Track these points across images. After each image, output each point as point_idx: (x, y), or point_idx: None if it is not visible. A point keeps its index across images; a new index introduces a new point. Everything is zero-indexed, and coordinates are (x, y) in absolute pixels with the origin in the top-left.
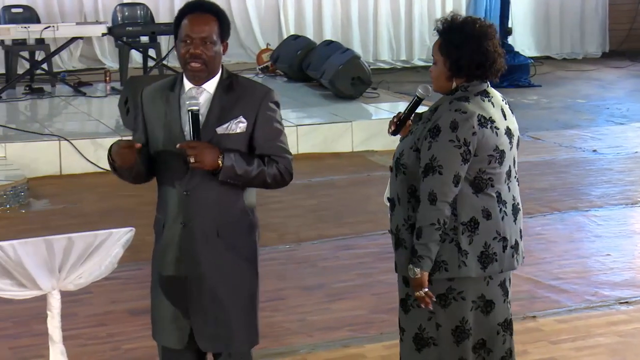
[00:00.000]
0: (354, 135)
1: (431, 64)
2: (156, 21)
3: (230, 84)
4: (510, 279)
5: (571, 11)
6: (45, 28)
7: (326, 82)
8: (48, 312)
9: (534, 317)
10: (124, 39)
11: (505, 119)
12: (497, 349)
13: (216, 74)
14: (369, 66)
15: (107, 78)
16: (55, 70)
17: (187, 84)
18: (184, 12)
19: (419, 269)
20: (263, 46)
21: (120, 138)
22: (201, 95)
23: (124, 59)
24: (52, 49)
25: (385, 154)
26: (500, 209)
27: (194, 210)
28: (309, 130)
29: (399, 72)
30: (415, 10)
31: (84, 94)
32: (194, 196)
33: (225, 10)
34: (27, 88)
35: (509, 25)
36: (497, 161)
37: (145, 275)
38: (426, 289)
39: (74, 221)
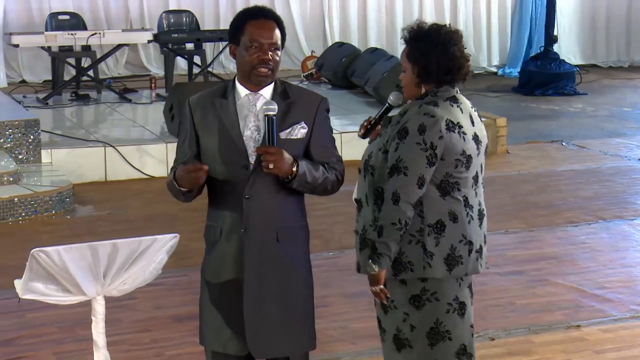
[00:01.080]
0: None
1: (475, 72)
2: (201, 28)
3: (284, 90)
4: (471, 283)
5: (617, 19)
6: (92, 35)
7: (370, 89)
8: (92, 318)
9: (579, 326)
10: (170, 45)
11: (474, 126)
12: (474, 352)
13: (274, 80)
14: None
15: (153, 85)
16: (101, 76)
17: (242, 90)
18: (246, 17)
19: (377, 266)
20: (308, 53)
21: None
22: (258, 100)
23: (169, 65)
24: (98, 55)
25: None
26: (467, 213)
27: (256, 215)
28: (353, 137)
29: None
30: (460, 18)
31: (129, 101)
32: (255, 201)
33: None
34: (73, 94)
35: (555, 33)
36: (464, 165)
37: (189, 282)
38: (381, 286)
39: (119, 227)
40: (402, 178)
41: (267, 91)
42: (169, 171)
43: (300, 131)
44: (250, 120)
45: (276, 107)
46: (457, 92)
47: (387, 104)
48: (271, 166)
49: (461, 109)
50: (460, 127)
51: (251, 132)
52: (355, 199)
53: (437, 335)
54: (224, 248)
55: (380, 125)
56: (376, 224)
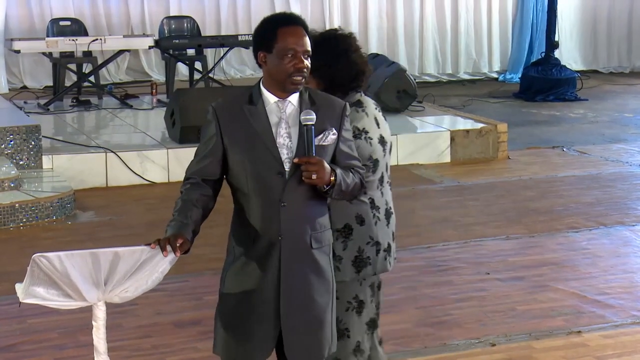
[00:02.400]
0: (399, 148)
1: (476, 78)
2: (202, 34)
3: (310, 96)
4: (380, 281)
5: (618, 25)
6: (93, 41)
7: (372, 95)
8: (93, 323)
9: (579, 332)
10: (171, 51)
11: (379, 127)
12: (366, 349)
13: None
14: (415, 79)
15: (154, 90)
16: (102, 82)
17: (271, 97)
18: (277, 24)
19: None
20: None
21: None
22: (287, 107)
23: (170, 71)
24: (100, 61)
25: (431, 167)
26: (374, 215)
27: (292, 221)
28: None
29: (444, 86)
30: (462, 24)
31: (131, 107)
32: (291, 208)
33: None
34: (74, 100)
35: (556, 39)
36: (370, 170)
37: (191, 288)
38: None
39: (120, 233)
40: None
41: (294, 97)
42: (184, 184)
43: (331, 137)
44: (282, 127)
45: (314, 116)
46: (361, 95)
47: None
48: (314, 177)
49: (366, 113)
50: (366, 132)
51: (283, 139)
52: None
53: (337, 333)
54: (258, 254)
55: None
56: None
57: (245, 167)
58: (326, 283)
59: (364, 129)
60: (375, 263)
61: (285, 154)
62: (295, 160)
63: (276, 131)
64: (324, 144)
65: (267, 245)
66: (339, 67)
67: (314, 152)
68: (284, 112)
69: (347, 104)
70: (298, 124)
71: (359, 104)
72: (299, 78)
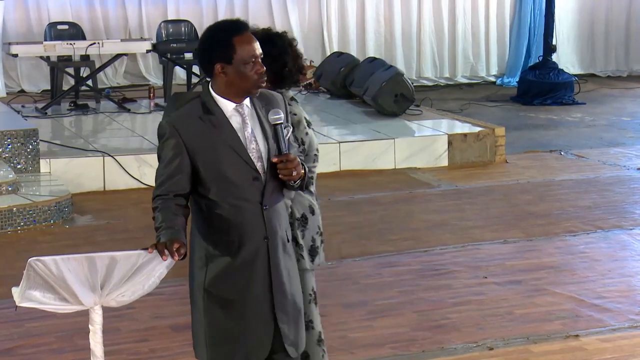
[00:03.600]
0: (397, 152)
1: (474, 81)
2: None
3: (258, 94)
4: None
5: (616, 29)
6: (91, 45)
7: (369, 99)
8: (90, 327)
9: (577, 336)
10: (168, 55)
11: None
12: (324, 339)
13: None
14: (412, 83)
15: (151, 94)
16: (99, 86)
17: (228, 103)
18: (230, 34)
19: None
20: (306, 63)
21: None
22: (245, 110)
23: (168, 75)
24: (97, 65)
25: (428, 171)
26: (317, 205)
27: (274, 222)
28: (352, 147)
29: (442, 89)
30: (459, 28)
31: (128, 110)
32: (271, 209)
33: (269, 26)
34: (72, 104)
35: (553, 43)
36: (317, 160)
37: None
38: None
39: (118, 237)
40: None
41: (247, 99)
42: (154, 201)
43: (289, 130)
44: (247, 130)
45: (282, 114)
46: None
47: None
48: (294, 173)
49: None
50: (310, 123)
51: (253, 144)
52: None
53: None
54: (246, 258)
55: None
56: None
57: (218, 178)
58: (298, 276)
59: (308, 120)
60: (321, 253)
61: (256, 159)
62: (275, 159)
63: (243, 136)
64: (286, 138)
65: (254, 249)
66: (284, 62)
67: (287, 149)
68: (244, 115)
69: (282, 96)
70: (258, 123)
71: (293, 99)
72: (263, 83)
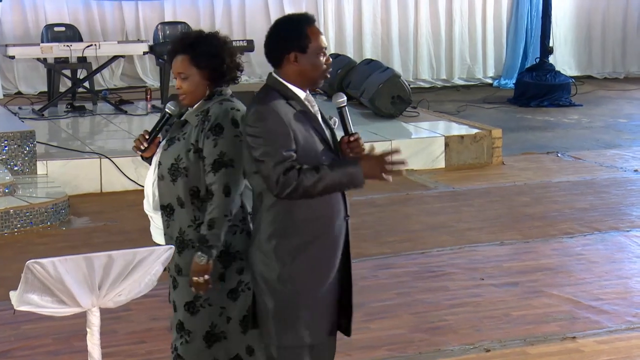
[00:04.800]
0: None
1: (471, 83)
2: None
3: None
4: None
5: (613, 30)
6: (88, 46)
7: (366, 101)
8: (87, 329)
9: (574, 337)
10: (165, 57)
11: None
12: None
13: None
14: (409, 85)
15: (148, 96)
16: (96, 88)
17: (300, 92)
18: (304, 23)
19: (206, 257)
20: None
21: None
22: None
23: (165, 77)
24: (94, 67)
25: (425, 173)
26: None
27: (347, 200)
28: None
29: (439, 91)
30: (456, 30)
31: (125, 112)
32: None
33: (265, 29)
34: (69, 106)
35: (550, 45)
36: None
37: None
38: (207, 276)
39: (115, 239)
40: (230, 170)
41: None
42: (292, 171)
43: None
44: (319, 117)
45: (345, 97)
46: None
47: (166, 114)
48: (366, 150)
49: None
50: None
51: (325, 129)
52: (163, 206)
53: (248, 323)
54: (336, 235)
55: (159, 137)
56: (197, 223)
57: (312, 161)
58: None
59: None
60: None
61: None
62: (352, 138)
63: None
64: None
65: (339, 227)
66: (222, 59)
67: (352, 129)
68: (314, 103)
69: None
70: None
71: (232, 95)
72: (329, 75)
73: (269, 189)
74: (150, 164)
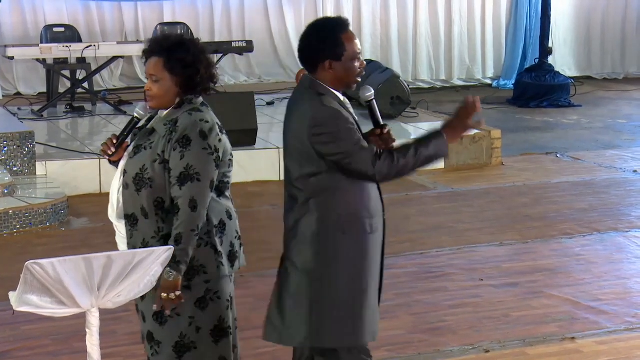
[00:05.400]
0: None
1: (470, 84)
2: None
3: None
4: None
5: (612, 31)
6: (87, 47)
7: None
8: (87, 330)
9: (573, 338)
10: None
11: None
12: (237, 344)
13: None
14: (409, 86)
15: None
16: (96, 89)
17: (338, 94)
18: (338, 31)
19: (175, 273)
20: (302, 66)
21: None
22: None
23: None
24: (93, 68)
25: (424, 173)
26: (234, 209)
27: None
28: None
29: (438, 92)
30: (455, 30)
31: (125, 113)
32: None
33: (265, 29)
34: (68, 107)
35: (550, 45)
36: (231, 165)
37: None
38: (179, 292)
39: (114, 239)
40: (197, 184)
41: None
42: (384, 155)
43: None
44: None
45: (373, 90)
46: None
47: (134, 119)
48: (392, 144)
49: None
50: (223, 128)
51: None
52: (127, 215)
53: (220, 332)
54: (377, 236)
55: (127, 142)
56: (160, 235)
57: None
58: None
59: (220, 125)
60: (240, 256)
61: None
62: (385, 130)
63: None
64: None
65: (380, 223)
66: (197, 69)
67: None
68: (348, 104)
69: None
70: None
71: (205, 105)
72: (361, 77)
73: (364, 177)
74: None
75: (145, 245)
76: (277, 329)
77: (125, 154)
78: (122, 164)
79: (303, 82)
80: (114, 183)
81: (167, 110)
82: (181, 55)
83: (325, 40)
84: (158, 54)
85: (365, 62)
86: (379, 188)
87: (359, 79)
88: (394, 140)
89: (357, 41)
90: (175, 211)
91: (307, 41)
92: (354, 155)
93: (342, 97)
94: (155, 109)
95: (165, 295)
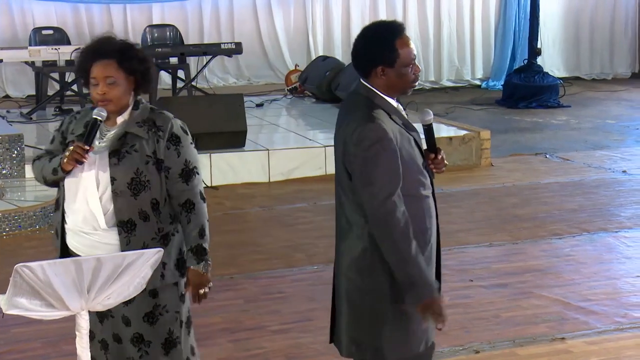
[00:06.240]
0: None
1: (459, 85)
2: (185, 42)
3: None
4: None
5: (600, 32)
6: (76, 49)
7: None
8: (77, 333)
9: (563, 338)
10: (153, 60)
11: None
12: None
13: None
14: None
15: None
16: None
17: (392, 101)
18: (393, 37)
19: (210, 266)
20: (292, 67)
21: None
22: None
23: (153, 80)
24: None
25: None
26: None
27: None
28: None
29: (427, 93)
30: (444, 31)
31: None
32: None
33: (254, 31)
34: (57, 109)
35: (538, 46)
36: (199, 173)
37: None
38: (211, 284)
39: None
40: (198, 177)
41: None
42: (399, 211)
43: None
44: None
45: (432, 115)
46: None
47: (97, 121)
48: (444, 168)
49: None
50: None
51: None
52: (122, 222)
53: (190, 322)
54: (431, 248)
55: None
56: (161, 234)
57: (416, 171)
58: None
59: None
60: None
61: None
62: (440, 156)
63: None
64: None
65: (435, 236)
66: (149, 65)
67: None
68: (403, 112)
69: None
70: None
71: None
72: (416, 84)
73: (367, 210)
74: (64, 178)
75: (146, 247)
76: (338, 340)
77: (96, 162)
78: (95, 172)
79: (357, 88)
80: (87, 193)
81: (128, 112)
82: (134, 54)
83: (378, 45)
84: (109, 56)
85: (420, 69)
86: (433, 193)
87: (415, 85)
88: (445, 166)
89: (412, 47)
90: (171, 208)
91: (359, 46)
92: (372, 187)
93: (395, 104)
94: (113, 112)
95: (202, 291)
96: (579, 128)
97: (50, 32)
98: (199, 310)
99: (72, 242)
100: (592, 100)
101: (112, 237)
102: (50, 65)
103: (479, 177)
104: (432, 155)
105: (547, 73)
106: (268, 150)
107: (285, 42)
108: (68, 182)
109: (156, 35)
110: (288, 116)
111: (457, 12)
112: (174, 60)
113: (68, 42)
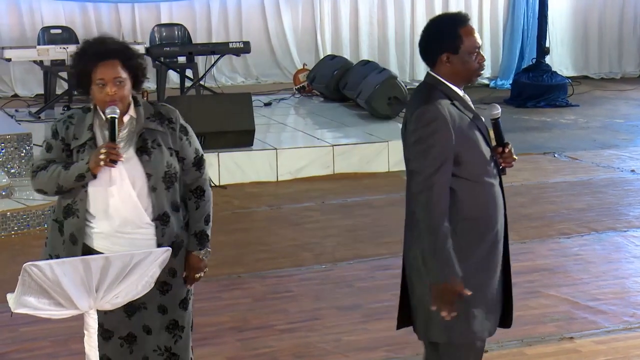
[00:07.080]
0: (390, 155)
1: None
2: (193, 41)
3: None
4: None
5: (609, 31)
6: None
7: (362, 102)
8: (85, 332)
9: (572, 338)
10: (162, 59)
11: None
12: None
13: None
14: (406, 86)
15: (145, 98)
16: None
17: (458, 90)
18: (457, 25)
19: (210, 251)
20: (300, 66)
21: None
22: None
23: (161, 79)
24: None
25: None
26: None
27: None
28: (345, 150)
29: None
30: None
31: None
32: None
33: (262, 30)
34: (66, 108)
35: (547, 45)
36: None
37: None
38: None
39: None
40: (206, 164)
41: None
42: (444, 193)
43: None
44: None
45: (500, 109)
46: None
47: (115, 120)
48: (513, 163)
49: None
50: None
51: None
52: (159, 216)
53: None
54: (496, 234)
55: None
56: (185, 221)
57: (478, 157)
58: None
59: None
60: None
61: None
62: (507, 149)
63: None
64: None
65: (501, 223)
66: (144, 62)
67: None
68: (468, 100)
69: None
70: None
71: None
72: (482, 72)
73: (411, 182)
74: (89, 180)
75: (177, 237)
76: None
77: (124, 158)
78: (126, 172)
79: (425, 78)
80: (124, 194)
81: (132, 110)
82: (132, 53)
83: (443, 33)
84: (114, 56)
85: (485, 58)
86: (501, 184)
87: (480, 73)
88: (514, 159)
89: (477, 35)
90: (198, 194)
91: (425, 35)
92: (420, 170)
93: (461, 93)
94: (122, 111)
95: (198, 275)
96: (588, 127)
97: (59, 31)
98: (206, 310)
99: (102, 245)
100: (601, 100)
101: (151, 232)
102: (59, 64)
103: None
104: (500, 149)
105: (555, 72)
106: (276, 149)
107: (293, 41)
108: (94, 186)
109: (164, 34)
110: (296, 115)
111: (466, 11)
112: (182, 59)
113: (76, 42)
